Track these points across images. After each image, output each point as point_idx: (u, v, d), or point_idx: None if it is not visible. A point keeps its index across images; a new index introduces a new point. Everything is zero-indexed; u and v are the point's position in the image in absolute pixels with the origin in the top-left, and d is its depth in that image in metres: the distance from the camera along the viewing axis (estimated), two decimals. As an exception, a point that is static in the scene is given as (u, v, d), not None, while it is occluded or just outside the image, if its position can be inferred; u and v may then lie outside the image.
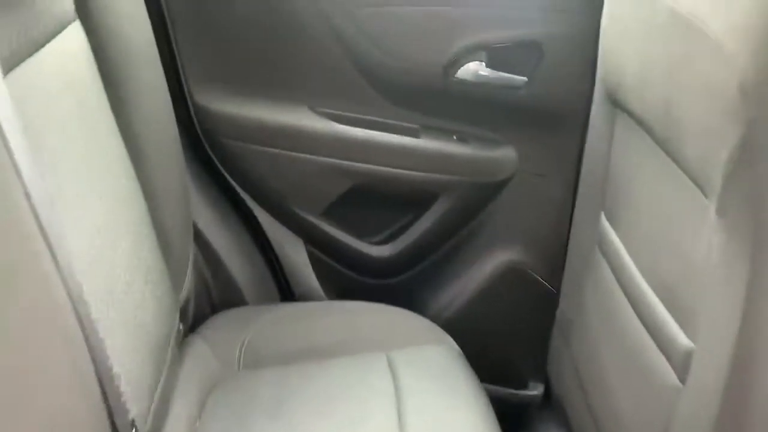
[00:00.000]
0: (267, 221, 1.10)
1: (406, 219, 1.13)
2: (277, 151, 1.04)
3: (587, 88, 1.00)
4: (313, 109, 1.04)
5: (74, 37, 0.70)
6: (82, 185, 0.63)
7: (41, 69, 0.61)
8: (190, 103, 1.01)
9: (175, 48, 0.97)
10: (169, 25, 0.96)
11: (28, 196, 0.49)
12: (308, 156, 1.05)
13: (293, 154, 1.05)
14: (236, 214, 1.10)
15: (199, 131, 1.03)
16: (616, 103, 0.86)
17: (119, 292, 0.65)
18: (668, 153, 0.72)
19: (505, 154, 1.09)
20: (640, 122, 0.78)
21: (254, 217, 1.10)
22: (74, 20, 0.71)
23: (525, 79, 1.02)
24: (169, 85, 0.92)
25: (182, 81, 0.99)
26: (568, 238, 1.06)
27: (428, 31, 1.00)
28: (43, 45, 0.63)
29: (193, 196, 1.03)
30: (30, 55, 0.60)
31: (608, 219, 0.91)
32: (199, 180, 1.06)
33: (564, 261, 1.07)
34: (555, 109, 1.05)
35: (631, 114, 0.81)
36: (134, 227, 0.73)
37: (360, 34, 1.00)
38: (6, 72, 0.54)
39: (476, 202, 1.12)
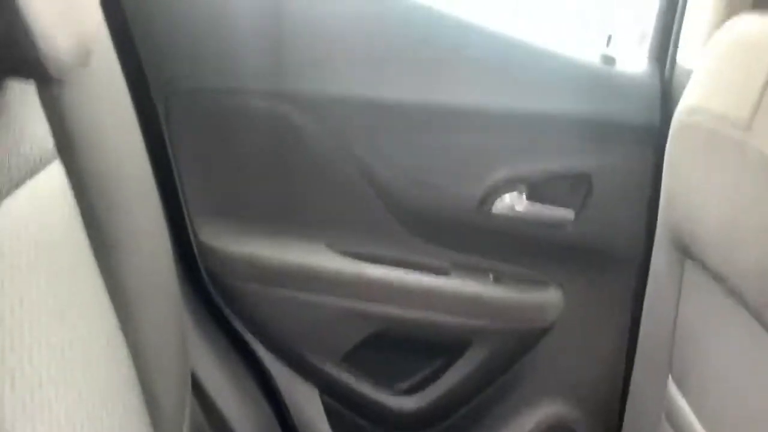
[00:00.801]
0: (277, 369, 0.95)
1: (435, 368, 0.97)
2: (290, 292, 0.91)
3: (644, 227, 0.87)
4: (331, 246, 0.92)
5: (52, 178, 0.60)
6: (55, 356, 0.50)
7: (11, 215, 0.51)
8: (193, 241, 0.89)
9: (177, 182, 0.87)
10: (171, 157, 0.85)
11: None
12: (325, 298, 0.91)
13: (308, 295, 0.91)
14: (242, 362, 0.96)
15: (203, 272, 0.91)
16: (686, 253, 0.72)
17: None
18: (763, 323, 0.57)
19: (549, 296, 0.94)
20: (721, 280, 0.64)
21: (262, 365, 0.95)
22: (53, 159, 0.60)
23: (572, 214, 0.89)
24: (170, 223, 0.81)
25: (185, 217, 0.88)
26: (623, 396, 0.89)
27: (461, 162, 0.89)
28: (15, 188, 0.52)
29: (192, 343, 0.89)
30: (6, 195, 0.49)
31: (678, 386, 0.75)
32: (200, 325, 0.92)
33: (619, 423, 0.90)
34: (607, 249, 0.91)
35: (709, 269, 0.67)
36: (118, 398, 0.59)
37: (384, 164, 0.89)
38: None
39: (515, 350, 0.96)
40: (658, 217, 0.78)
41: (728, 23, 0.70)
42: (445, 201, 0.90)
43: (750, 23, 0.67)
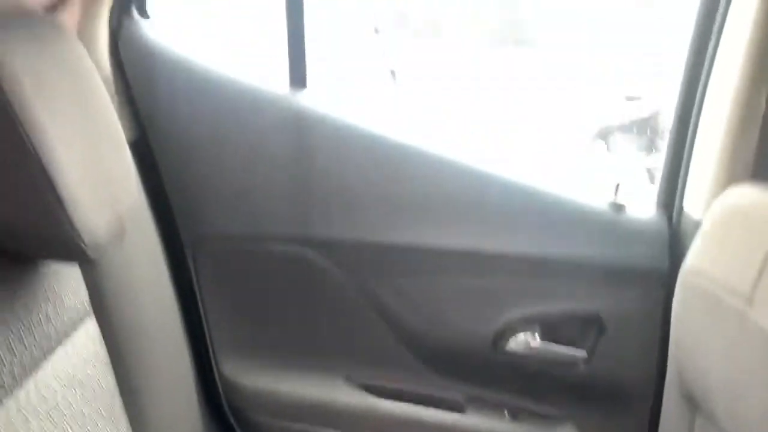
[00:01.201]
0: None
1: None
2: (310, 427, 0.93)
3: (656, 368, 0.88)
4: (349, 380, 0.94)
5: (88, 333, 0.64)
6: None
7: (53, 371, 0.55)
8: (217, 377, 0.92)
9: (204, 320, 0.90)
10: (199, 298, 0.89)
11: None
12: (343, 433, 0.93)
13: (328, 430, 0.93)
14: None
15: (226, 407, 0.93)
16: (694, 404, 0.72)
17: None
18: None
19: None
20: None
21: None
22: (89, 317, 0.64)
23: (584, 352, 0.91)
24: (195, 360, 0.84)
25: (210, 354, 0.91)
26: None
27: (475, 301, 0.92)
28: (57, 346, 0.56)
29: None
30: (48, 355, 0.53)
31: None
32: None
33: None
34: (619, 387, 0.92)
35: (716, 422, 0.67)
36: None
37: (400, 302, 0.92)
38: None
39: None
40: (668, 363, 0.79)
41: (728, 191, 0.72)
42: (460, 338, 0.92)
43: (748, 195, 0.70)
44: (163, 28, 0.84)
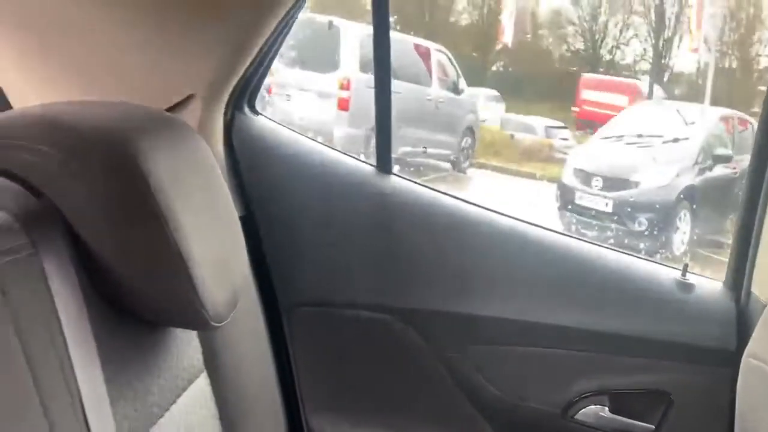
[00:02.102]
0: None
1: None
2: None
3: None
4: (425, 439, 1.00)
5: (200, 387, 0.72)
6: None
7: (176, 423, 0.63)
8: (306, 427, 1.00)
9: (296, 379, 0.99)
10: (292, 358, 0.98)
11: None
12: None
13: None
14: None
15: (313, 458, 1.01)
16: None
17: None
18: None
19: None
20: None
21: None
22: (200, 374, 0.73)
23: (652, 427, 0.94)
24: (286, 412, 0.92)
25: (300, 408, 0.99)
26: None
27: (546, 371, 0.96)
28: (172, 402, 0.65)
29: None
30: (157, 418, 0.62)
31: None
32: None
33: None
34: (687, 462, 0.94)
35: None
36: None
37: (472, 368, 0.98)
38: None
39: None
40: None
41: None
42: (531, 406, 0.97)
43: None
44: (269, 122, 0.95)
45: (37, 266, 0.52)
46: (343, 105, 4.75)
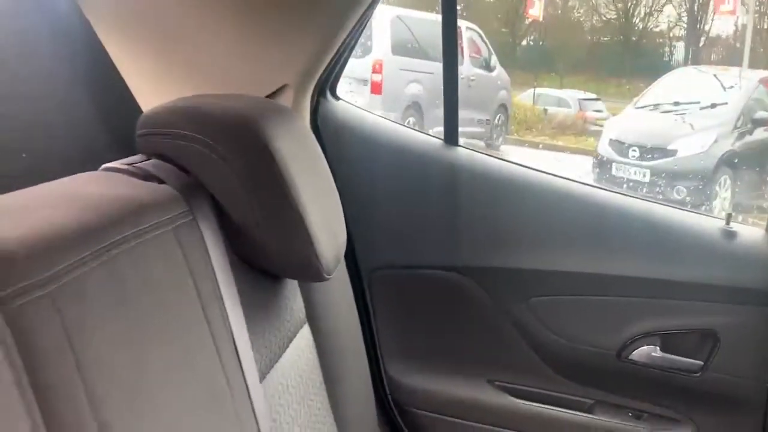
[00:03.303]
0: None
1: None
2: (457, 420, 1.12)
3: (766, 374, 1.00)
4: (491, 382, 1.12)
5: (304, 337, 0.86)
6: None
7: (282, 368, 0.77)
8: (384, 377, 1.13)
9: (375, 332, 1.12)
10: (372, 315, 1.11)
11: None
12: (485, 426, 1.11)
13: (472, 424, 1.12)
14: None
15: (391, 401, 1.14)
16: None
17: None
18: None
19: (683, 431, 1.08)
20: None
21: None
22: (304, 325, 0.87)
23: (701, 363, 1.04)
24: (369, 364, 1.06)
25: (380, 359, 1.13)
26: None
27: (602, 317, 1.07)
28: (286, 347, 0.78)
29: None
30: (280, 354, 0.75)
31: None
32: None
33: None
34: (734, 394, 1.05)
35: None
36: None
37: (534, 318, 1.09)
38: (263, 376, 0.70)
39: (654, 478, 1.10)
40: None
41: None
42: (588, 349, 1.08)
43: None
44: (349, 106, 1.08)
45: (197, 230, 0.65)
46: (375, 89, 4.85)
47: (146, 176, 0.66)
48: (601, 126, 5.46)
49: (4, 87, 0.78)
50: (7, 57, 0.80)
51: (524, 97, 6.11)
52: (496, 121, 5.41)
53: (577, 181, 1.09)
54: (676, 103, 4.67)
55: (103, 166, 0.67)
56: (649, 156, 4.38)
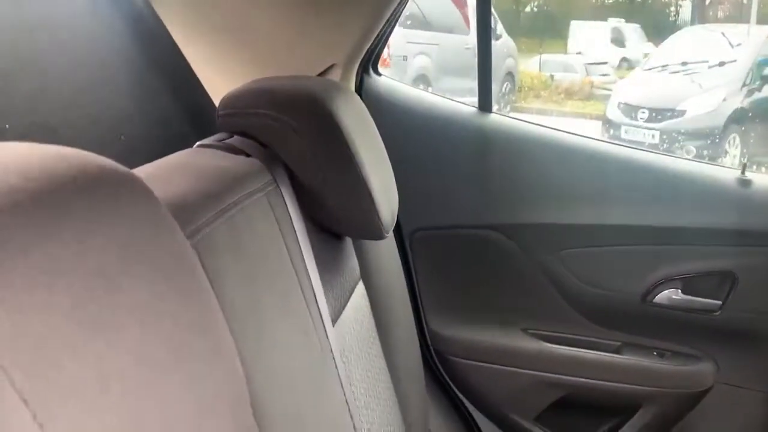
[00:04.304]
0: (486, 426, 1.27)
1: (612, 425, 1.24)
2: (496, 366, 1.23)
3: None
4: (525, 330, 1.23)
5: (360, 293, 0.96)
6: (372, 390, 0.87)
7: (345, 323, 0.87)
8: (426, 329, 1.24)
9: (417, 288, 1.22)
10: (414, 273, 1.21)
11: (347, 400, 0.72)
12: (522, 370, 1.22)
13: (510, 369, 1.22)
14: (461, 420, 1.28)
15: (432, 351, 1.25)
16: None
17: None
18: None
19: (704, 367, 1.18)
20: None
21: (475, 422, 1.27)
22: (358, 282, 0.97)
23: (719, 303, 1.14)
24: (413, 315, 1.16)
25: (421, 312, 1.23)
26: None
27: (626, 265, 1.17)
28: (347, 300, 0.89)
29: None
30: (344, 304, 0.86)
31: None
32: (429, 390, 1.26)
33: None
34: (750, 329, 1.15)
35: None
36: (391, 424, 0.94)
37: (564, 269, 1.19)
38: (334, 322, 0.81)
39: (677, 411, 1.21)
40: None
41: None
42: (614, 296, 1.18)
43: None
44: (388, 80, 1.17)
45: (280, 196, 0.75)
46: (383, 62, 4.91)
47: (235, 151, 0.76)
48: (609, 90, 5.51)
49: (95, 77, 0.87)
50: (93, 51, 0.89)
51: (530, 64, 6.14)
52: (503, 89, 5.46)
53: (601, 140, 1.18)
54: (684, 63, 4.71)
55: (197, 143, 0.77)
56: (659, 117, 4.44)
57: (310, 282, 0.76)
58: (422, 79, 4.81)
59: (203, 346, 0.37)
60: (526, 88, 6.01)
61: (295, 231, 0.76)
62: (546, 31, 6.69)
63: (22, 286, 0.27)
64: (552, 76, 6.06)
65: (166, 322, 0.34)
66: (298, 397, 0.66)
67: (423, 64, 4.81)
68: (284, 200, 0.75)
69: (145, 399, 0.32)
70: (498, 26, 5.58)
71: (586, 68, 6.04)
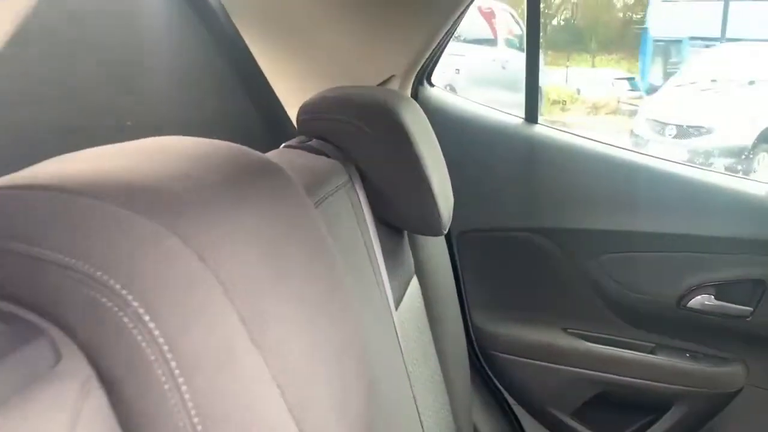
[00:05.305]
0: (525, 419, 1.36)
1: (645, 422, 1.33)
2: (536, 362, 1.33)
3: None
4: (565, 329, 1.33)
5: (414, 285, 1.07)
6: (426, 375, 0.97)
7: (402, 310, 0.98)
8: (470, 325, 1.34)
9: (462, 286, 1.33)
10: (459, 270, 1.32)
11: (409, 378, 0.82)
12: (562, 367, 1.32)
13: (550, 365, 1.32)
14: (502, 413, 1.38)
15: (476, 346, 1.35)
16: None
17: None
18: None
19: (734, 369, 1.27)
20: None
21: (515, 414, 1.37)
22: (413, 275, 1.08)
23: (750, 309, 1.23)
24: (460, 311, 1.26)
25: (466, 309, 1.34)
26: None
27: (662, 271, 1.27)
28: (404, 290, 1.00)
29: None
30: (403, 294, 0.97)
31: None
32: (474, 384, 1.36)
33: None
34: (780, 336, 1.23)
35: None
36: (441, 413, 1.04)
37: (603, 273, 1.29)
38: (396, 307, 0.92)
39: (707, 410, 1.30)
40: None
41: None
42: (650, 300, 1.28)
43: None
44: (442, 92, 1.28)
45: (355, 193, 0.86)
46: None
47: (316, 152, 0.87)
48: (636, 105, 5.58)
49: (182, 81, 0.99)
50: (181, 56, 1.02)
51: (557, 78, 6.23)
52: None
53: (639, 152, 1.28)
54: (714, 81, 4.78)
55: (283, 144, 0.89)
56: (687, 134, 4.51)
57: (380, 269, 0.87)
58: (449, 89, 4.94)
59: (340, 298, 0.48)
60: (553, 101, 6.10)
61: (367, 224, 0.87)
62: (573, 44, 6.78)
63: (222, 243, 0.38)
64: (578, 90, 6.15)
65: (317, 277, 0.45)
66: (373, 371, 0.77)
67: (451, 75, 4.94)
68: (358, 196, 0.87)
69: (306, 331, 0.42)
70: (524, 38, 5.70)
71: (613, 83, 6.13)
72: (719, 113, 4.51)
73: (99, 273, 0.34)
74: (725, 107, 4.57)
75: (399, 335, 0.90)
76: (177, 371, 0.35)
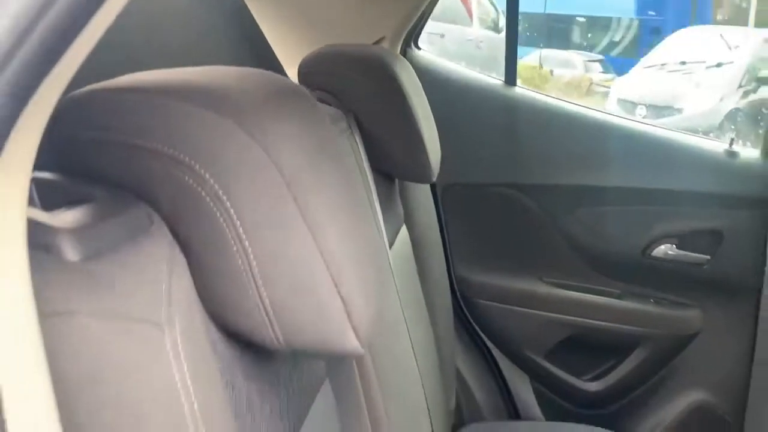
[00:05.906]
0: (503, 361, 1.49)
1: (612, 362, 1.47)
2: (514, 308, 1.45)
3: (760, 264, 1.33)
4: (541, 278, 1.45)
5: (404, 233, 1.17)
6: (415, 318, 1.09)
7: (396, 249, 1.08)
8: (453, 274, 1.45)
9: (446, 237, 1.44)
10: (443, 223, 1.43)
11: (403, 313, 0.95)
12: (538, 312, 1.44)
13: (527, 311, 1.45)
14: (480, 356, 1.50)
15: (458, 294, 1.47)
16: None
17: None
18: None
19: (693, 314, 1.41)
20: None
21: (493, 357, 1.49)
22: (403, 224, 1.18)
23: (708, 257, 1.36)
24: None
25: (450, 259, 1.45)
26: (747, 385, 1.33)
27: (630, 224, 1.40)
28: (396, 234, 1.10)
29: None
30: (394, 240, 1.07)
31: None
32: (456, 330, 1.48)
33: (746, 402, 1.34)
34: (733, 280, 1.38)
35: None
36: (428, 355, 1.16)
37: (577, 226, 1.42)
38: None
39: (669, 351, 1.44)
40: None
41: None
42: (618, 249, 1.41)
43: None
44: (427, 55, 1.39)
45: (354, 140, 0.96)
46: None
47: (319, 101, 0.96)
48: (608, 86, 5.76)
49: (184, 42, 1.07)
50: (173, 18, 1.10)
51: (530, 59, 6.37)
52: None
53: (610, 114, 1.40)
54: (683, 63, 4.96)
55: None
56: (656, 114, 4.68)
57: (377, 213, 0.97)
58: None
59: (366, 208, 0.58)
60: (527, 81, 6.24)
61: (365, 169, 0.97)
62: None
63: (281, 141, 0.47)
64: (551, 71, 6.30)
65: (345, 190, 0.54)
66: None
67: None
68: (357, 143, 0.96)
69: (342, 230, 0.51)
70: (501, 19, 5.82)
71: (585, 65, 6.29)
72: (687, 94, 4.70)
73: (184, 156, 0.44)
74: (693, 88, 4.75)
75: (394, 272, 1.00)
76: (243, 236, 0.45)
